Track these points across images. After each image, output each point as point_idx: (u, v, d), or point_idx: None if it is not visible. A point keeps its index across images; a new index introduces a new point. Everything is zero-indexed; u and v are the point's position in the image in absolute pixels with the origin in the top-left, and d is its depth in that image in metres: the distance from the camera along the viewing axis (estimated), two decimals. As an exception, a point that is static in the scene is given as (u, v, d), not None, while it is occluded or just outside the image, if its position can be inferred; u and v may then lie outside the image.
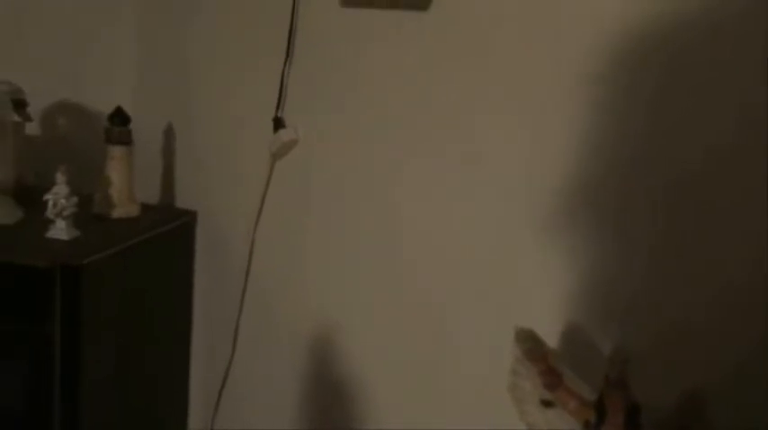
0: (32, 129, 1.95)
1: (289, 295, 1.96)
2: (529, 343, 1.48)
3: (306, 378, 1.97)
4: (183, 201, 2.06)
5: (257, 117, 1.90)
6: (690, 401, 1.45)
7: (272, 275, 1.97)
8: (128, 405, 1.86)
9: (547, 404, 1.44)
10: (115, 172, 1.87)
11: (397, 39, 1.76)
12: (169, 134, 2.04)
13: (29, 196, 1.80)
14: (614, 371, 1.39)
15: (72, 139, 2.09)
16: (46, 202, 1.70)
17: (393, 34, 1.76)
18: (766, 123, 1.46)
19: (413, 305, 1.82)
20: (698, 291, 1.55)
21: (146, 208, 1.95)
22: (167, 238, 1.95)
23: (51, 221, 1.71)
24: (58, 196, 1.70)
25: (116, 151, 1.87)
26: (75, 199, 1.71)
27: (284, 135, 1.88)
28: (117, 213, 1.88)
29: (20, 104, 1.81)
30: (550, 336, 1.57)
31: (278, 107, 1.88)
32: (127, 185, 1.89)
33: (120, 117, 1.86)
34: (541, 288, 1.67)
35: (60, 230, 1.71)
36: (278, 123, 1.88)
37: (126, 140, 1.87)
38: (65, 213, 1.70)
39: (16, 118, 1.80)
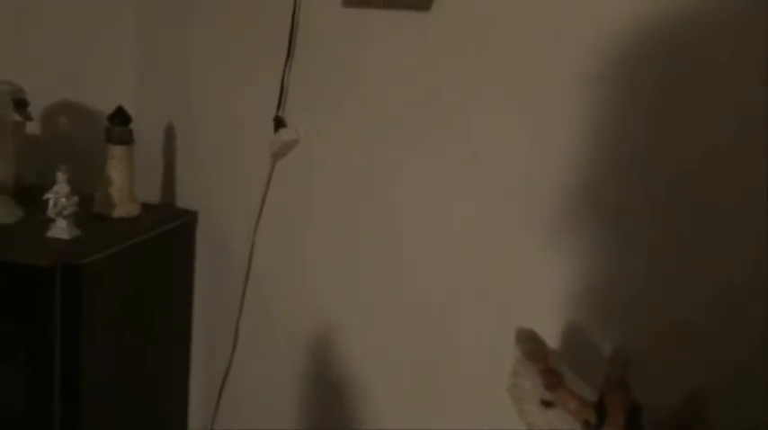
0: (33, 128, 1.96)
1: (289, 295, 1.96)
2: (529, 343, 1.48)
3: (306, 378, 1.97)
4: (183, 200, 2.06)
5: (258, 117, 1.90)
6: (690, 401, 1.45)
7: (272, 275, 1.97)
8: (128, 405, 1.86)
9: (547, 404, 1.44)
10: (116, 171, 1.87)
11: (399, 39, 1.76)
12: (170, 134, 2.04)
13: (29, 195, 1.81)
14: (615, 371, 1.39)
15: (73, 139, 2.09)
16: (46, 202, 1.70)
17: (395, 34, 1.76)
18: (766, 123, 1.46)
19: (413, 305, 1.82)
20: (698, 291, 1.55)
21: (146, 207, 1.95)
22: (168, 238, 1.95)
23: (52, 221, 1.72)
24: (59, 195, 1.70)
25: (117, 151, 1.87)
26: (75, 198, 1.71)
27: (285, 135, 1.88)
28: (117, 213, 1.88)
29: (21, 104, 1.81)
30: (550, 337, 1.57)
31: (279, 107, 1.88)
32: (127, 185, 1.89)
33: (120, 116, 1.87)
34: (541, 288, 1.67)
35: (61, 230, 1.71)
36: (279, 123, 1.88)
37: (126, 140, 1.87)
38: (65, 212, 1.71)
39: (17, 117, 1.81)
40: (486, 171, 1.72)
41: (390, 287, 1.84)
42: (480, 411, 1.72)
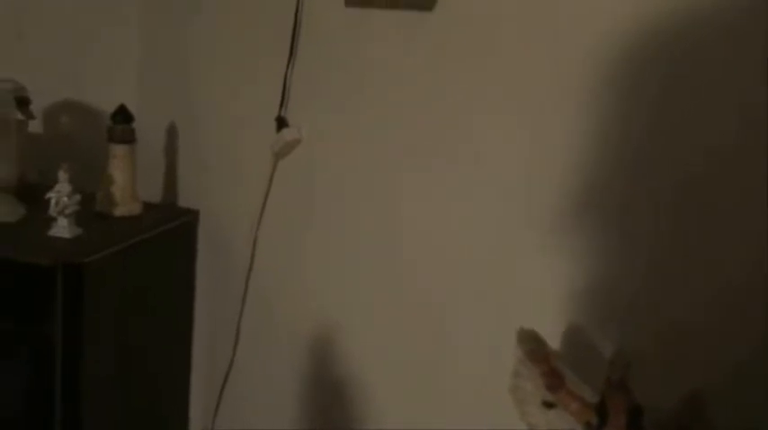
0: (35, 127, 1.96)
1: (290, 295, 1.96)
2: (531, 343, 1.48)
3: (306, 378, 1.97)
4: (185, 200, 2.06)
5: (260, 116, 1.90)
6: (690, 401, 1.44)
7: (273, 275, 1.97)
8: (129, 404, 1.86)
9: (548, 405, 1.44)
10: (118, 170, 1.87)
11: (401, 39, 1.76)
12: (172, 133, 2.04)
13: (31, 194, 1.81)
14: (616, 373, 1.39)
15: (75, 138, 2.09)
16: (48, 200, 1.70)
17: (397, 34, 1.77)
18: (766, 124, 1.46)
19: (413, 305, 1.82)
20: (698, 291, 1.55)
21: (148, 206, 1.95)
22: (169, 237, 1.95)
23: (53, 219, 1.72)
24: (61, 194, 1.70)
25: (119, 149, 1.87)
26: (77, 197, 1.71)
27: (287, 134, 1.88)
28: (119, 212, 1.88)
29: (23, 102, 1.82)
30: (551, 337, 1.57)
31: (281, 106, 1.88)
32: (129, 184, 1.89)
33: (122, 115, 1.87)
34: (541, 288, 1.67)
35: (62, 228, 1.71)
36: (281, 123, 1.89)
37: (129, 139, 1.87)
38: (67, 211, 1.71)
39: (19, 116, 1.81)
40: (487, 171, 1.72)
41: (391, 287, 1.84)
42: (480, 411, 1.72)
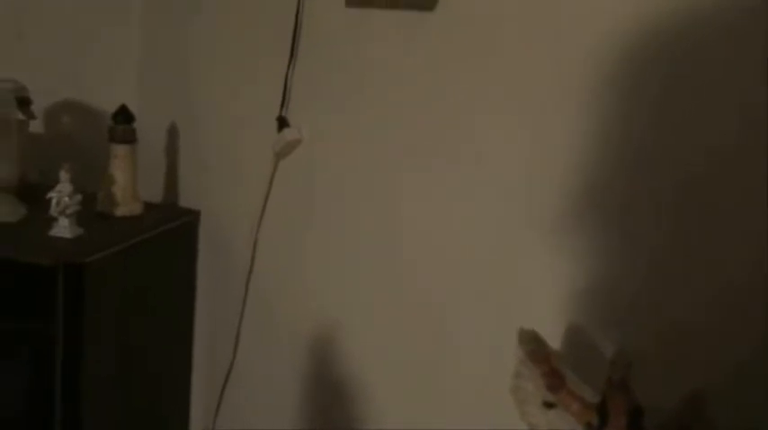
0: (36, 127, 1.96)
1: (290, 295, 1.96)
2: (532, 344, 1.48)
3: (306, 378, 1.97)
4: (186, 200, 2.06)
5: (261, 117, 1.90)
6: (690, 402, 1.44)
7: (274, 275, 1.97)
8: (129, 404, 1.86)
9: (549, 405, 1.44)
10: (119, 170, 1.87)
11: (403, 39, 1.77)
12: (173, 133, 2.04)
13: (32, 194, 1.81)
14: (617, 373, 1.39)
15: (76, 138, 2.09)
16: (49, 200, 1.70)
17: (398, 35, 1.77)
18: (767, 124, 1.46)
19: (413, 305, 1.82)
20: (699, 291, 1.55)
21: (149, 206, 1.95)
22: (170, 237, 1.95)
23: (54, 219, 1.72)
24: (62, 194, 1.70)
25: (120, 149, 1.87)
26: (78, 197, 1.71)
27: (288, 134, 1.88)
28: (120, 212, 1.88)
29: (24, 102, 1.82)
30: (552, 337, 1.56)
31: (282, 106, 1.88)
32: (130, 184, 1.89)
33: (123, 115, 1.87)
34: (542, 288, 1.67)
35: (63, 228, 1.71)
36: (282, 123, 1.89)
37: (130, 139, 1.87)
38: (68, 211, 1.71)
39: (20, 116, 1.81)
40: (488, 171, 1.72)
41: (391, 287, 1.84)
42: (480, 411, 1.72)
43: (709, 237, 1.54)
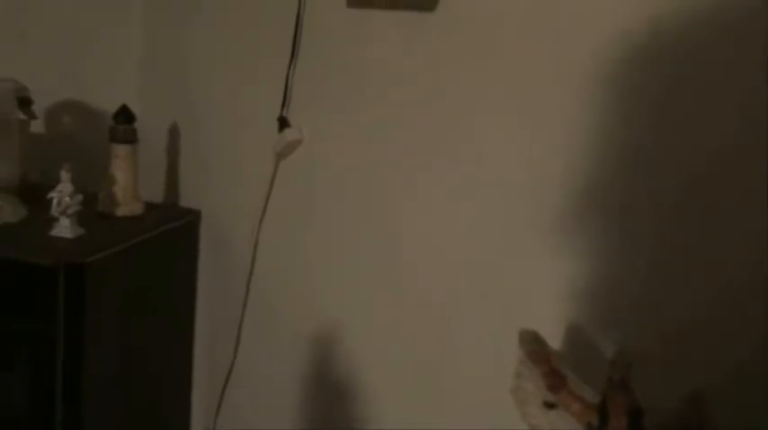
0: (37, 127, 1.96)
1: (291, 295, 1.96)
2: (532, 344, 1.48)
3: (307, 378, 1.97)
4: (186, 200, 2.06)
5: (262, 117, 1.90)
6: (691, 402, 1.45)
7: (274, 275, 1.97)
8: (130, 404, 1.86)
9: (550, 406, 1.44)
10: (120, 170, 1.87)
11: (404, 40, 1.77)
12: (173, 133, 2.04)
13: (33, 194, 1.81)
14: (617, 373, 1.39)
15: (77, 138, 2.09)
16: (50, 200, 1.70)
17: (399, 35, 1.77)
18: (767, 124, 1.46)
19: (414, 306, 1.82)
20: (699, 291, 1.55)
21: (150, 206, 1.95)
22: (171, 237, 1.95)
23: (55, 219, 1.72)
24: (63, 194, 1.70)
25: (121, 149, 1.87)
26: (79, 197, 1.71)
27: (289, 134, 1.88)
28: (121, 211, 1.88)
29: (25, 102, 1.82)
30: (552, 338, 1.57)
31: (283, 106, 1.88)
32: (131, 184, 1.89)
33: (124, 115, 1.87)
34: (543, 289, 1.68)
35: (64, 228, 1.71)
36: (283, 123, 1.89)
37: (131, 139, 1.87)
38: (69, 211, 1.71)
39: (21, 116, 1.81)
40: (488, 171, 1.72)
41: (393, 287, 1.84)
42: (481, 412, 1.72)
43: (709, 237, 1.54)
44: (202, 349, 2.09)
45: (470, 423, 1.73)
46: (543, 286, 1.67)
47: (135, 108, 1.88)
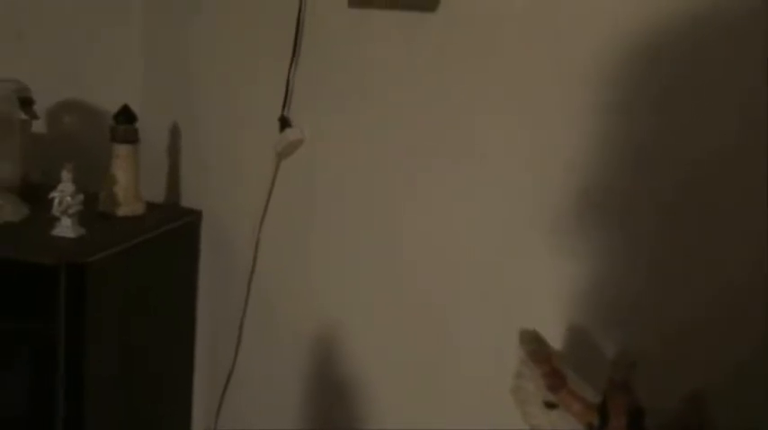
0: (39, 127, 1.97)
1: (292, 295, 1.96)
2: (533, 344, 1.47)
3: (308, 378, 1.97)
4: (187, 200, 2.06)
5: (263, 117, 1.90)
6: (692, 402, 1.44)
7: (275, 275, 1.98)
8: (131, 404, 1.86)
9: (550, 406, 1.44)
10: (121, 170, 1.88)
11: (405, 40, 1.77)
12: (174, 133, 2.04)
13: (35, 194, 1.81)
14: (618, 373, 1.39)
15: (78, 137, 2.10)
16: (52, 200, 1.71)
17: (400, 35, 1.77)
18: (767, 124, 1.46)
19: (415, 305, 1.82)
20: (699, 291, 1.54)
21: (151, 206, 1.95)
22: (172, 237, 1.96)
23: (57, 219, 1.72)
24: (64, 194, 1.70)
25: (122, 149, 1.87)
26: (80, 197, 1.72)
27: (290, 134, 1.89)
28: (122, 211, 1.88)
29: (26, 102, 1.83)
30: (553, 338, 1.56)
31: (284, 106, 1.88)
32: (132, 184, 1.89)
33: (125, 115, 1.87)
34: (543, 289, 1.67)
35: (66, 228, 1.72)
36: (284, 123, 1.89)
37: (132, 139, 1.88)
38: (70, 211, 1.71)
39: (23, 116, 1.82)
40: (488, 171, 1.72)
41: (393, 287, 1.84)
42: (482, 412, 1.72)
43: (709, 237, 1.53)
44: (203, 349, 2.09)
45: (471, 423, 1.73)
46: (543, 286, 1.67)
47: (135, 108, 1.89)
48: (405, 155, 1.80)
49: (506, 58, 1.68)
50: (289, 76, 1.87)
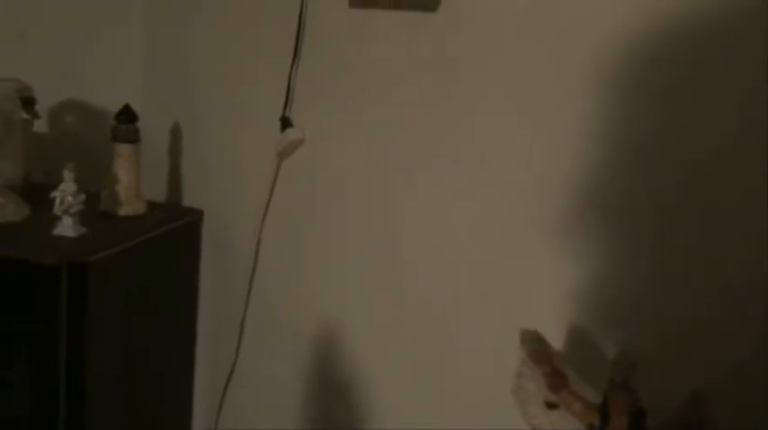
0: (40, 126, 1.97)
1: (293, 295, 1.97)
2: (534, 344, 1.47)
3: (309, 377, 1.97)
4: (189, 199, 2.07)
5: (264, 116, 1.90)
6: (692, 402, 1.44)
7: (276, 275, 1.98)
8: (132, 404, 1.86)
9: (551, 406, 1.44)
10: (122, 170, 1.88)
11: (406, 40, 1.77)
12: (176, 133, 2.05)
13: (36, 193, 1.81)
14: (619, 374, 1.39)
15: (80, 137, 2.10)
16: (53, 199, 1.71)
17: (401, 35, 1.77)
18: (767, 124, 1.46)
19: (416, 305, 1.82)
20: (699, 291, 1.54)
21: (152, 206, 1.96)
22: (173, 237, 1.96)
23: (58, 218, 1.72)
24: (66, 193, 1.70)
25: (123, 149, 1.87)
26: (82, 196, 1.72)
27: (291, 134, 1.89)
28: (124, 211, 1.89)
29: (28, 102, 1.83)
30: (554, 338, 1.57)
31: (285, 106, 1.89)
32: (134, 183, 1.90)
33: (127, 115, 1.87)
34: (544, 289, 1.67)
35: (67, 227, 1.72)
36: (285, 122, 1.89)
37: (133, 138, 1.88)
38: (72, 210, 1.71)
39: (25, 115, 1.82)
40: (489, 171, 1.72)
41: (394, 287, 1.84)
42: (482, 412, 1.72)
43: (709, 237, 1.53)
44: (204, 348, 2.09)
45: (471, 423, 1.73)
46: (544, 286, 1.67)
47: (136, 108, 1.89)
48: (405, 155, 1.80)
49: (507, 58, 1.68)
50: (290, 76, 1.87)
